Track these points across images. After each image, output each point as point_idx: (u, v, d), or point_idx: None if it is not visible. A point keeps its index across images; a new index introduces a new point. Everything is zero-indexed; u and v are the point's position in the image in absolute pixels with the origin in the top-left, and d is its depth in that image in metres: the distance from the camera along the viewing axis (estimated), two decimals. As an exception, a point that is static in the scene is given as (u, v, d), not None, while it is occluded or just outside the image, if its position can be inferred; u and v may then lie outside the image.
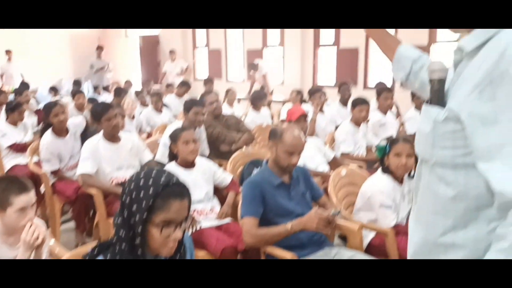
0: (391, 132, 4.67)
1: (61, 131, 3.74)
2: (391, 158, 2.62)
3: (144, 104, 6.30)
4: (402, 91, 7.03)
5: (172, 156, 3.05)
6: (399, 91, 6.62)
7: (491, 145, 1.05)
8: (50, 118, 3.67)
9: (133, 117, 5.38)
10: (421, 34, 7.37)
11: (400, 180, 2.67)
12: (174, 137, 3.00)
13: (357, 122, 4.31)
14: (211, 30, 10.59)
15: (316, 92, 5.43)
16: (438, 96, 1.20)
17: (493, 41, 1.10)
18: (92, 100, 6.84)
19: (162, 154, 3.68)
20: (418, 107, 5.14)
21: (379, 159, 2.71)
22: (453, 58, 1.23)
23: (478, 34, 1.13)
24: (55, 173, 3.63)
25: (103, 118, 3.26)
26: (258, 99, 5.77)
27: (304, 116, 3.60)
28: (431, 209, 1.23)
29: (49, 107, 3.71)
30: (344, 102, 5.76)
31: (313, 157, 3.60)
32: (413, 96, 5.18)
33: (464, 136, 1.10)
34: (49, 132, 3.69)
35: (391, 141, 2.67)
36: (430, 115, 1.18)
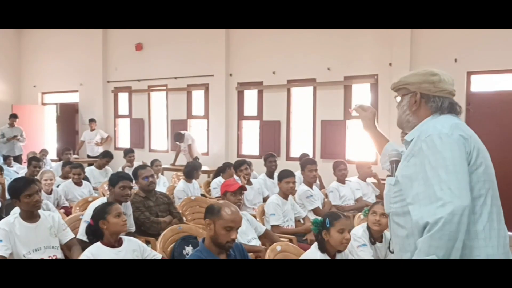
0: (317, 204, 4.81)
1: None
2: (334, 233, 2.64)
3: (66, 177, 5.93)
4: (324, 162, 7.39)
5: (95, 236, 2.88)
6: (320, 163, 6.94)
7: (413, 195, 1.62)
8: None
9: (51, 191, 5.04)
10: (338, 112, 7.91)
11: (332, 256, 2.71)
12: (101, 212, 2.86)
13: (284, 194, 4.40)
14: (134, 99, 10.52)
15: (242, 164, 5.50)
16: (394, 171, 1.81)
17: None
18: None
19: (84, 232, 3.46)
20: (339, 180, 5.37)
21: (316, 234, 2.74)
22: (405, 147, 1.82)
23: (413, 132, 1.78)
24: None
25: (23, 195, 3.01)
26: (193, 170, 5.73)
27: (241, 189, 3.61)
28: (397, 248, 1.77)
29: None
30: (270, 174, 5.88)
31: (245, 231, 3.58)
32: (335, 169, 5.42)
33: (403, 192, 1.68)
34: None
35: (331, 217, 2.71)
36: (387, 182, 1.80)
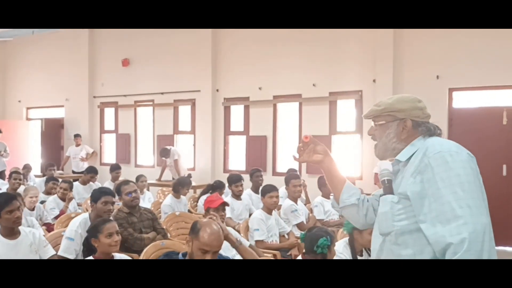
0: (301, 219, 4.82)
1: None
2: (333, 251, 2.79)
3: (49, 193, 5.87)
4: (309, 177, 7.42)
5: (88, 249, 2.88)
6: (306, 178, 6.97)
7: (425, 212, 1.57)
8: None
9: (34, 208, 4.98)
10: (323, 127, 7.98)
11: None
12: (94, 231, 2.85)
13: (268, 209, 4.41)
14: (121, 114, 10.49)
15: (239, 180, 5.46)
16: (389, 189, 1.75)
17: (418, 151, 1.68)
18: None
19: (66, 249, 3.43)
20: (325, 195, 5.39)
21: (320, 254, 2.74)
22: (393, 168, 1.78)
23: (406, 152, 1.73)
24: None
25: (4, 211, 2.97)
26: (181, 185, 5.72)
27: (224, 204, 3.61)
28: None
29: None
30: (256, 189, 5.89)
31: (230, 247, 3.55)
32: (320, 184, 5.44)
33: (412, 209, 1.63)
34: None
35: (331, 236, 2.80)
36: (387, 200, 1.71)
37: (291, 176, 5.09)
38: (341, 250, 3.12)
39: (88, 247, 2.91)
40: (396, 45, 7.22)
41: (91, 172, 7.08)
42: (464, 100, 6.96)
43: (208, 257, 2.33)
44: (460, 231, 1.47)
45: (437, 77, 6.88)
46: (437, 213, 1.53)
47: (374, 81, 7.39)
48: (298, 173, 6.69)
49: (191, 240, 2.38)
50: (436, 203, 1.54)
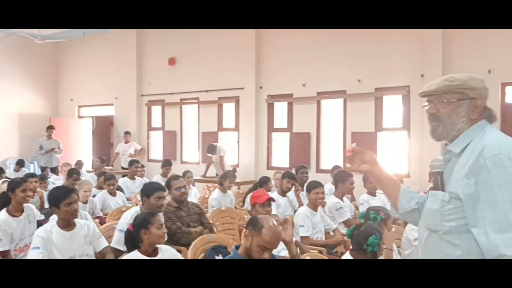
0: (348, 216, 4.76)
1: (17, 210, 3.64)
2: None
3: (101, 188, 6.12)
4: (355, 175, 7.32)
5: (132, 245, 2.94)
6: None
7: (477, 217, 1.49)
8: (15, 192, 3.61)
9: (86, 201, 5.19)
10: (369, 124, 7.85)
11: None
12: (145, 222, 2.89)
13: (313, 205, 4.39)
14: (167, 112, 10.74)
15: (293, 177, 5.47)
16: (439, 183, 1.67)
17: (472, 145, 1.59)
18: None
19: (118, 240, 3.55)
20: (370, 192, 5.30)
21: (371, 253, 2.71)
22: (444, 157, 1.71)
23: (459, 142, 1.64)
24: (3, 254, 3.42)
25: (62, 203, 3.12)
26: (224, 178, 5.81)
27: (270, 200, 3.63)
28: None
29: (17, 182, 3.68)
30: (300, 185, 5.87)
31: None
32: (365, 181, 5.36)
33: (463, 210, 1.55)
34: (3, 211, 3.58)
35: (380, 233, 2.75)
36: (437, 197, 1.64)
37: (348, 174, 4.98)
38: None
39: (131, 241, 2.94)
40: (446, 38, 6.99)
41: (133, 163, 7.29)
42: (519, 95, 6.66)
43: (266, 254, 2.35)
44: None
45: (489, 71, 6.60)
46: (490, 220, 1.45)
47: (422, 76, 7.19)
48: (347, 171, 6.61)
49: (250, 235, 2.39)
50: (490, 210, 1.46)
